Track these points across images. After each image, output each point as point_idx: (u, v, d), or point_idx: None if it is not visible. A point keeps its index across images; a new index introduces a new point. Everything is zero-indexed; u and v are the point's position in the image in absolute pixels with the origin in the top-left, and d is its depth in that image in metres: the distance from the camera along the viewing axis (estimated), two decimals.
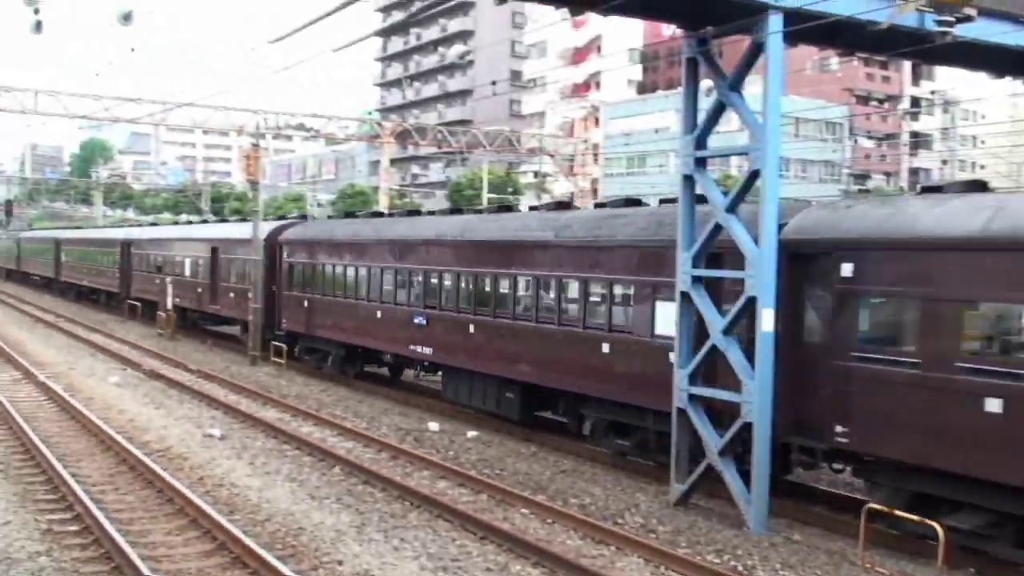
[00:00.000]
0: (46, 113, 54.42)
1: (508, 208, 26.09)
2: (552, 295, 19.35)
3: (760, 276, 14.37)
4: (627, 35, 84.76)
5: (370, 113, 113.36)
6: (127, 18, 25.48)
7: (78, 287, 58.27)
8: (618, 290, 17.83)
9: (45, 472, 16.86)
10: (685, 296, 15.58)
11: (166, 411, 23.44)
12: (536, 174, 79.83)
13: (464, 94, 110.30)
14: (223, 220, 50.31)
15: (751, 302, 14.48)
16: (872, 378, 13.14)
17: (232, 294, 35.49)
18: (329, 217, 29.65)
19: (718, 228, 15.17)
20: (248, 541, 12.64)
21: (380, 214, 31.34)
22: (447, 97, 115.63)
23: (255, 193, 34.00)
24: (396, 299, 24.92)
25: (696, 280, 15.51)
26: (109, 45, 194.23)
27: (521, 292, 20.22)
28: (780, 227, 14.41)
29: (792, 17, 14.33)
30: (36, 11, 23.21)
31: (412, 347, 24.07)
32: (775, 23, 14.30)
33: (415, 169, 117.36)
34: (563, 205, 22.48)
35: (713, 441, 15.15)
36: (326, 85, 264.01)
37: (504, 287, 20.79)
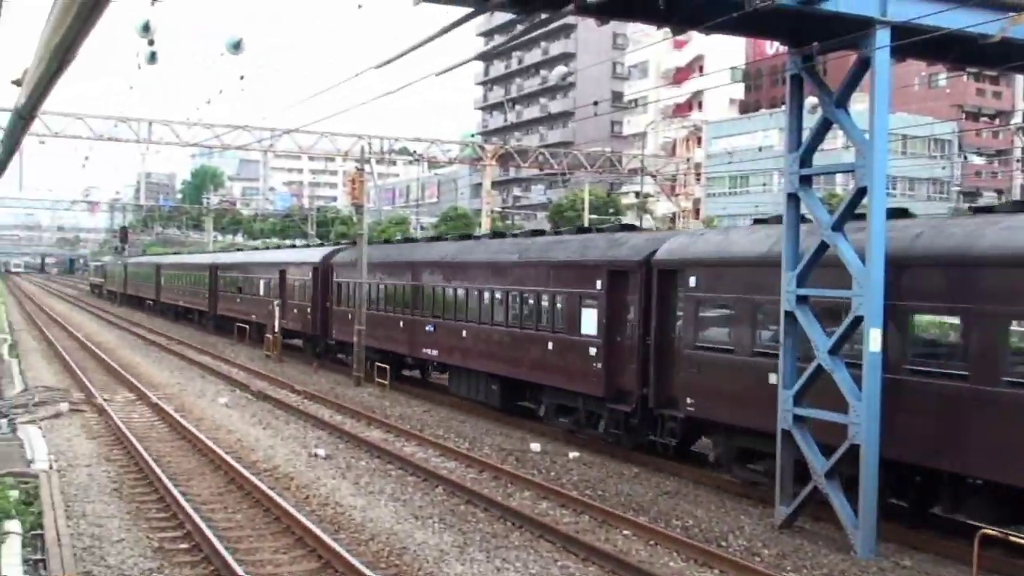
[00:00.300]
0: (159, 142, 56.04)
1: (500, 234, 30.38)
2: (517, 304, 24.11)
3: (868, 295, 14.08)
4: (729, 54, 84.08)
5: (472, 136, 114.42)
6: (237, 47, 26.15)
7: (175, 307, 63.55)
8: (559, 299, 22.43)
9: (157, 491, 17.30)
10: (789, 315, 15.33)
11: (273, 431, 23.88)
12: (637, 194, 79.47)
13: (565, 116, 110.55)
14: (323, 243, 52.12)
15: (858, 321, 14.20)
16: (707, 362, 17.86)
17: (295, 310, 40.30)
18: (368, 243, 32.74)
19: (824, 246, 14.93)
20: (353, 560, 12.78)
21: (411, 239, 35.86)
22: (548, 119, 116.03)
23: (360, 217, 34.51)
24: (413, 311, 29.67)
25: (801, 299, 15.26)
26: (219, 74, 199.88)
27: (497, 302, 24.97)
28: (652, 252, 19.43)
29: (899, 31, 14.04)
30: (151, 42, 23.98)
31: (424, 350, 29.06)
32: (882, 38, 14.03)
33: (517, 191, 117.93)
34: (536, 232, 27.00)
35: (819, 463, 14.85)
36: (428, 109, 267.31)
37: (485, 299, 25.57)
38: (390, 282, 31.87)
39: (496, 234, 31.21)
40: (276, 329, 41.00)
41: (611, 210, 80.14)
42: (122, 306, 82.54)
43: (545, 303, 23.07)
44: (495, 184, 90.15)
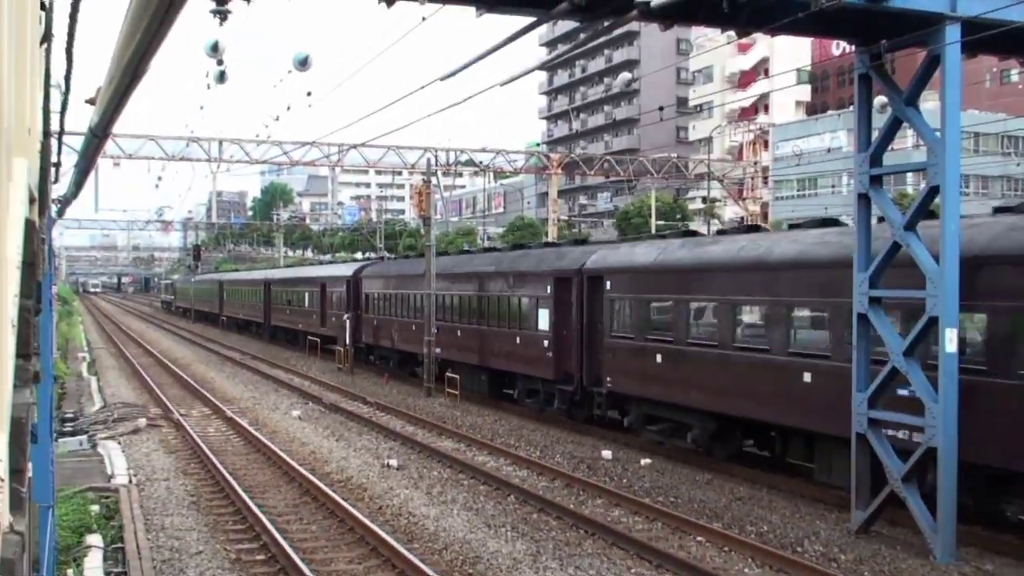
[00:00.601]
0: (229, 160, 56.94)
1: (493, 250, 37.12)
2: (495, 306, 29.21)
3: (943, 295, 13.83)
4: (794, 56, 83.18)
5: (537, 145, 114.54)
6: (304, 63, 26.46)
7: (235, 320, 68.70)
8: (523, 301, 27.45)
9: (234, 504, 17.54)
10: (862, 318, 15.10)
11: (346, 443, 24.09)
12: (705, 200, 78.92)
13: (630, 123, 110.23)
14: (403, 256, 53.13)
15: (933, 322, 13.95)
16: (619, 348, 22.92)
17: (334, 319, 45.33)
18: (392, 258, 41.76)
19: (896, 247, 14.69)
20: (427, 569, 12.83)
21: (421, 255, 38.65)
22: (613, 126, 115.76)
23: (427, 229, 34.72)
24: (423, 315, 33.66)
25: (874, 301, 15.03)
26: (287, 91, 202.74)
27: (484, 305, 30.05)
28: (581, 263, 24.75)
29: (970, 27, 13.79)
30: (219, 62, 24.35)
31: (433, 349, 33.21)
32: (952, 34, 13.79)
33: (583, 199, 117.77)
34: (518, 246, 32.51)
35: (895, 467, 14.59)
36: (493, 120, 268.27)
37: (473, 303, 30.73)
38: (403, 291, 37.02)
39: (486, 250, 38.52)
40: (348, 342, 41.40)
41: (678, 216, 79.63)
42: (195, 322, 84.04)
43: (514, 305, 28.18)
44: (561, 193, 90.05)
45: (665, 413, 21.57)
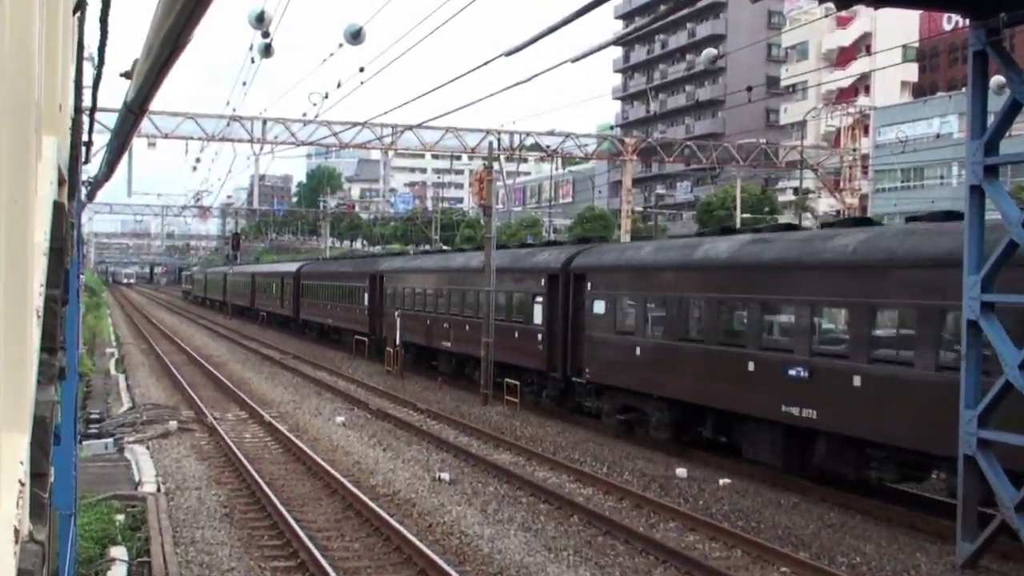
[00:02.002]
0: (274, 142, 57.53)
1: (479, 248, 41.13)
2: (481, 300, 34.05)
3: None
4: (900, 31, 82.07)
5: (610, 129, 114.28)
6: (356, 36, 26.55)
7: (265, 312, 75.45)
8: (517, 296, 32.32)
9: (270, 516, 17.74)
10: (972, 326, 14.82)
11: (393, 453, 24.25)
12: (796, 191, 78.18)
13: (714, 105, 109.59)
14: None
15: None
16: (597, 341, 26.69)
17: (357, 312, 51.48)
18: (408, 254, 50.22)
19: (1013, 245, 14.41)
20: None
21: (426, 252, 46.48)
22: (696, 108, 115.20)
23: (487, 219, 34.80)
24: (424, 308, 40.40)
25: (986, 307, 14.74)
26: (337, 66, 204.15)
27: (468, 299, 35.95)
28: (567, 262, 28.90)
29: None
30: (265, 34, 24.54)
31: (429, 340, 39.86)
32: None
33: (660, 189, 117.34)
34: (501, 246, 37.02)
35: (1008, 494, 14.33)
36: (562, 101, 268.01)
37: (456, 297, 37.29)
38: (406, 286, 43.31)
39: (477, 247, 44.19)
40: (397, 342, 41.64)
41: (766, 208, 79.08)
42: (232, 317, 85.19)
43: (515, 300, 32.49)
44: (636, 181, 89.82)
45: (636, 402, 25.66)
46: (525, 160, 74.35)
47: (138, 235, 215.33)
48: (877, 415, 17.53)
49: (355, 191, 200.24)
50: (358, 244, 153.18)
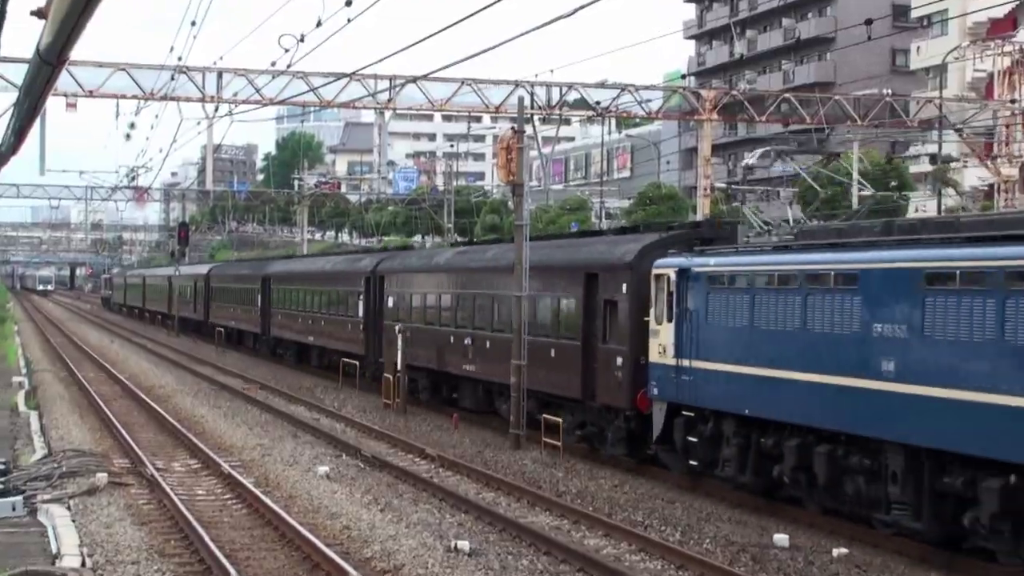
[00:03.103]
0: (233, 100, 57.56)
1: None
2: (321, 298, 55.44)
3: None
4: None
5: (681, 78, 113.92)
6: None
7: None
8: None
9: None
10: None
11: (395, 515, 24.26)
12: (934, 158, 77.68)
13: (822, 44, 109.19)
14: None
15: None
16: (389, 330, 43.69)
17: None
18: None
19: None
20: None
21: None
22: (796, 49, 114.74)
23: (517, 201, 34.75)
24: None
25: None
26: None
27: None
28: (376, 266, 49.25)
29: None
30: None
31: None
32: None
33: (749, 157, 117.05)
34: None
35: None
36: (616, 42, 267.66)
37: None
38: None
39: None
40: (398, 367, 41.66)
41: (892, 183, 78.63)
42: (181, 334, 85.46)
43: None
44: (716, 149, 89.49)
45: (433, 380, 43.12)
46: (567, 122, 74.23)
47: (55, 226, 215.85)
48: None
49: (341, 165, 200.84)
50: (345, 236, 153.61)
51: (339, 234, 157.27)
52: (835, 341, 22.71)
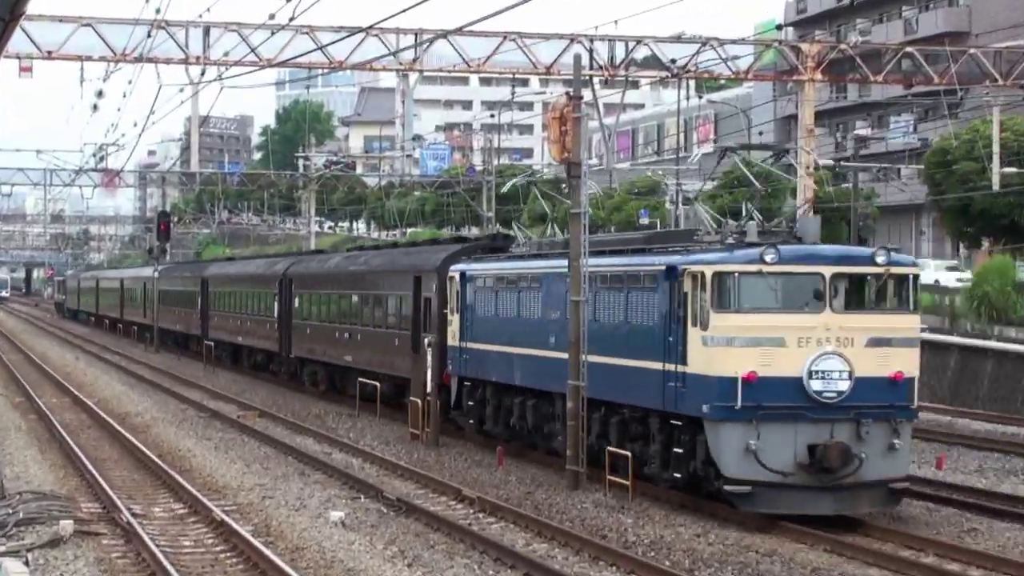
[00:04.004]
0: (223, 62, 57.72)
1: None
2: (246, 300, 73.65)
3: None
4: None
5: (776, 30, 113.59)
6: None
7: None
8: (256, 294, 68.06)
9: None
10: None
11: (425, 570, 24.30)
12: None
13: None
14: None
15: None
16: (302, 327, 62.56)
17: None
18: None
19: None
20: None
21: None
22: None
23: (574, 184, 34.74)
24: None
25: None
26: None
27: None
28: (287, 269, 66.34)
29: None
30: None
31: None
32: None
33: (861, 126, 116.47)
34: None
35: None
36: None
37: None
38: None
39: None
40: (427, 388, 41.80)
41: None
42: (161, 349, 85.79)
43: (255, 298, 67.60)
44: (821, 116, 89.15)
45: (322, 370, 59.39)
46: (635, 85, 74.24)
47: (7, 218, 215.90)
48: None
49: (355, 140, 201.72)
50: (362, 226, 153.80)
51: (354, 225, 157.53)
52: (531, 324, 38.56)
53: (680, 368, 30.71)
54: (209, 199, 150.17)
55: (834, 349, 29.40)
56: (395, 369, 49.21)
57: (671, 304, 31.42)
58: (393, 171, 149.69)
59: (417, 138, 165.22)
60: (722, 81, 75.52)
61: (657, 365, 31.61)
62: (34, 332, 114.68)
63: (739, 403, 28.91)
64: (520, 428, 39.45)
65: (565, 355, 34.58)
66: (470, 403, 42.30)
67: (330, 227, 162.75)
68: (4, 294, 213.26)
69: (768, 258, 29.24)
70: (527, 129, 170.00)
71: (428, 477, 34.39)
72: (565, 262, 35.38)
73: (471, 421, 42.60)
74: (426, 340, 42.79)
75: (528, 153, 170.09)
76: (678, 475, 31.12)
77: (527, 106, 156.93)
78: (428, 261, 47.36)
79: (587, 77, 37.60)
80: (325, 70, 66.16)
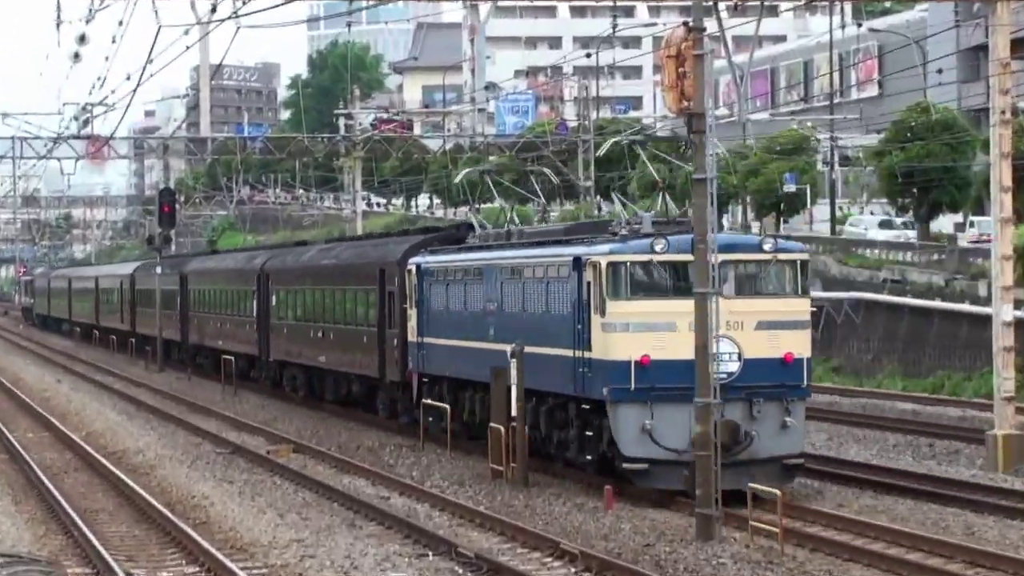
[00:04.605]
0: None
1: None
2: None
3: None
4: None
5: None
6: None
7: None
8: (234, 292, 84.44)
9: None
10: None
11: None
12: None
13: None
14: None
15: None
16: (279, 327, 74.76)
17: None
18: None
19: None
20: None
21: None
22: None
23: (697, 139, 34.64)
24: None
25: None
26: None
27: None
28: (264, 264, 79.03)
29: None
30: None
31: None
32: None
33: None
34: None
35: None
36: None
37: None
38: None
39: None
40: (513, 412, 41.79)
41: None
42: (165, 367, 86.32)
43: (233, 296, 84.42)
44: (1019, 45, 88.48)
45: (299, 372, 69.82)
46: (773, 12, 73.98)
47: None
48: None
49: (411, 91, 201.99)
50: (423, 201, 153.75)
51: (414, 201, 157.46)
52: (476, 317, 47.21)
53: (586, 354, 39.42)
54: (225, 172, 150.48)
55: (723, 332, 35.84)
56: (364, 368, 59.57)
57: (579, 293, 39.98)
58: (461, 131, 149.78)
59: (491, 87, 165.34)
60: (887, 3, 75.17)
61: (569, 352, 40.55)
62: (2, 347, 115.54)
63: (633, 385, 37.48)
64: (470, 423, 48.88)
65: (504, 347, 44.07)
66: (428, 400, 51.26)
67: (381, 205, 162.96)
68: None
69: (658, 247, 37.90)
70: (633, 72, 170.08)
71: (515, 526, 34.37)
72: (507, 253, 47.20)
73: (430, 419, 51.16)
74: (508, 350, 42.64)
75: (636, 103, 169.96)
76: (589, 457, 40.15)
77: (633, 42, 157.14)
78: (391, 253, 57.56)
79: (710, 2, 37.36)
80: (371, 1, 66.24)
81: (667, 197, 51.97)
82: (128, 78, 62.99)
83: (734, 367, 38.23)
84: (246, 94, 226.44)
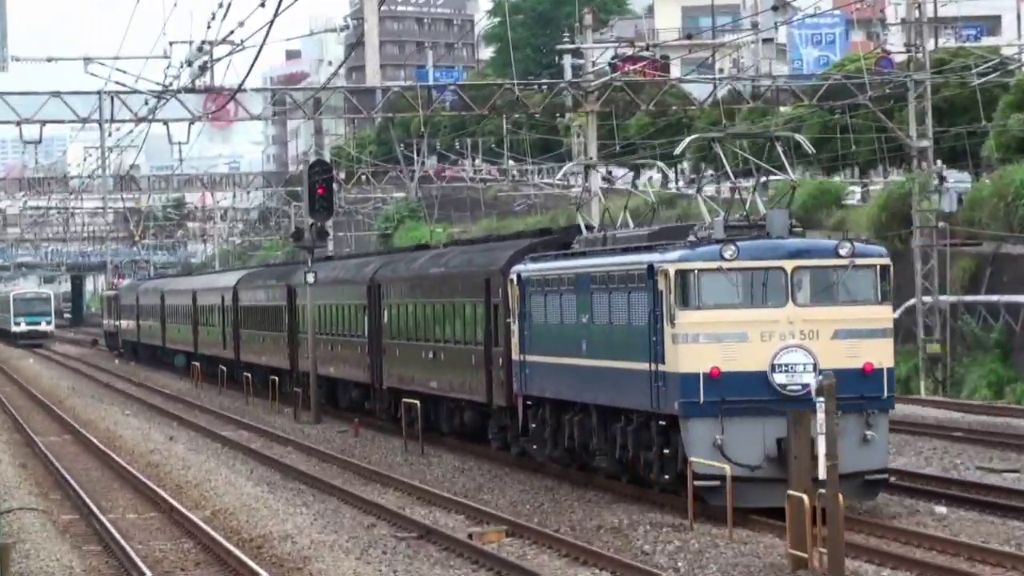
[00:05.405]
0: None
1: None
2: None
3: None
4: None
5: None
6: None
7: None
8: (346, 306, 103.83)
9: None
10: None
11: None
12: None
13: None
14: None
15: None
16: (392, 348, 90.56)
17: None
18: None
19: None
20: None
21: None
22: None
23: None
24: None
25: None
26: None
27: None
28: (375, 273, 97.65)
29: None
30: None
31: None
32: None
33: None
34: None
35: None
36: None
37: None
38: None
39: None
40: (821, 472, 41.97)
41: None
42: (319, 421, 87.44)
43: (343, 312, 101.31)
44: None
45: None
46: None
47: (38, 182, 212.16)
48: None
49: (666, 18, 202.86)
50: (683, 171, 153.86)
51: (676, 170, 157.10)
52: (572, 331, 55.69)
53: (660, 367, 48.00)
54: (402, 137, 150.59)
55: (797, 342, 45.20)
56: (472, 393, 68.42)
57: (653, 303, 48.60)
58: (740, 70, 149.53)
59: (782, 7, 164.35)
60: None
61: (646, 366, 49.29)
62: (95, 392, 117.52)
63: (702, 399, 46.01)
64: (576, 451, 58.04)
65: (595, 362, 53.81)
66: (533, 426, 60.43)
67: (623, 178, 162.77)
68: (45, 327, 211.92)
69: (727, 254, 45.48)
70: None
71: None
72: (596, 260, 55.36)
73: (535, 447, 61.06)
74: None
75: (992, 27, 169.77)
76: (667, 476, 49.15)
77: None
78: (496, 260, 65.61)
79: None
80: None
81: (757, 197, 63.49)
82: (263, 4, 62.82)
83: (809, 379, 45.51)
84: (431, 25, 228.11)
